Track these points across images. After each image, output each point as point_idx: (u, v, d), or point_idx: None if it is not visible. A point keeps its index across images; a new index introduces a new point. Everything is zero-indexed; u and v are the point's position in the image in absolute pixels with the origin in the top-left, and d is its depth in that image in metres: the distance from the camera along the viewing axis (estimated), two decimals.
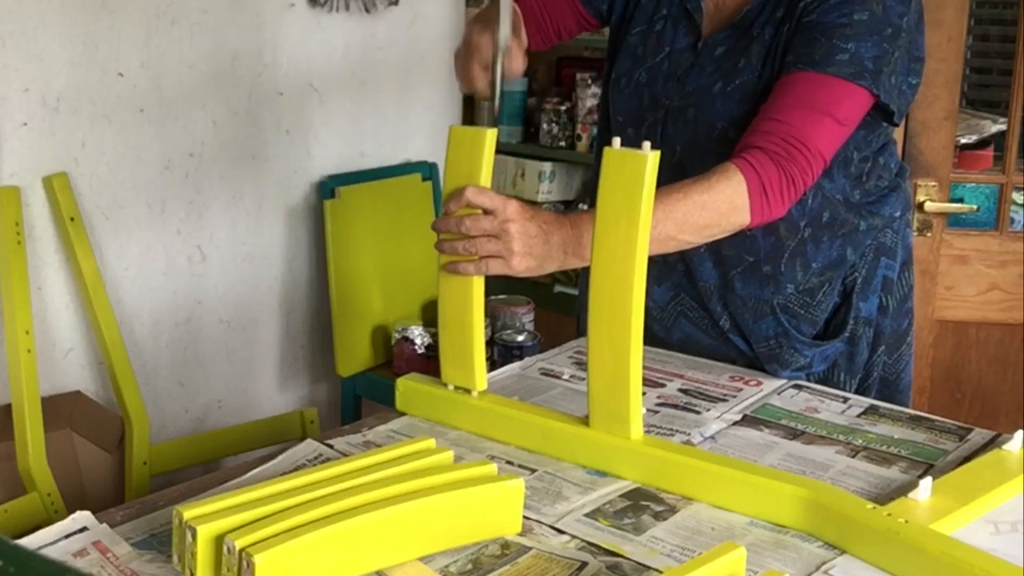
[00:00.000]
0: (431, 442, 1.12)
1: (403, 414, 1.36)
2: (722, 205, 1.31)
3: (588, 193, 3.20)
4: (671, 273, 1.55)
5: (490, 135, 1.24)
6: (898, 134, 2.38)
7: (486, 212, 1.24)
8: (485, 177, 1.25)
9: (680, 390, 1.44)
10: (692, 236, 1.32)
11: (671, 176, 1.48)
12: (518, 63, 1.43)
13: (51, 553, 0.98)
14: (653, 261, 1.47)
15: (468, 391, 1.31)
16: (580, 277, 1.75)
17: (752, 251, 1.49)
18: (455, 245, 1.25)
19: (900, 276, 1.57)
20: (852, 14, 1.35)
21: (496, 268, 1.25)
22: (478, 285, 1.27)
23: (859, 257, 1.53)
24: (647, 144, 1.12)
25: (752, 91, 1.43)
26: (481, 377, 1.30)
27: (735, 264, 1.51)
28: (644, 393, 1.23)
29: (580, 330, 1.70)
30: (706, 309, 1.55)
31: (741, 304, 1.52)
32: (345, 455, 1.20)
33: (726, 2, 1.49)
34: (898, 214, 1.56)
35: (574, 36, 1.70)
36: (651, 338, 1.55)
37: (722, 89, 1.45)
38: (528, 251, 1.25)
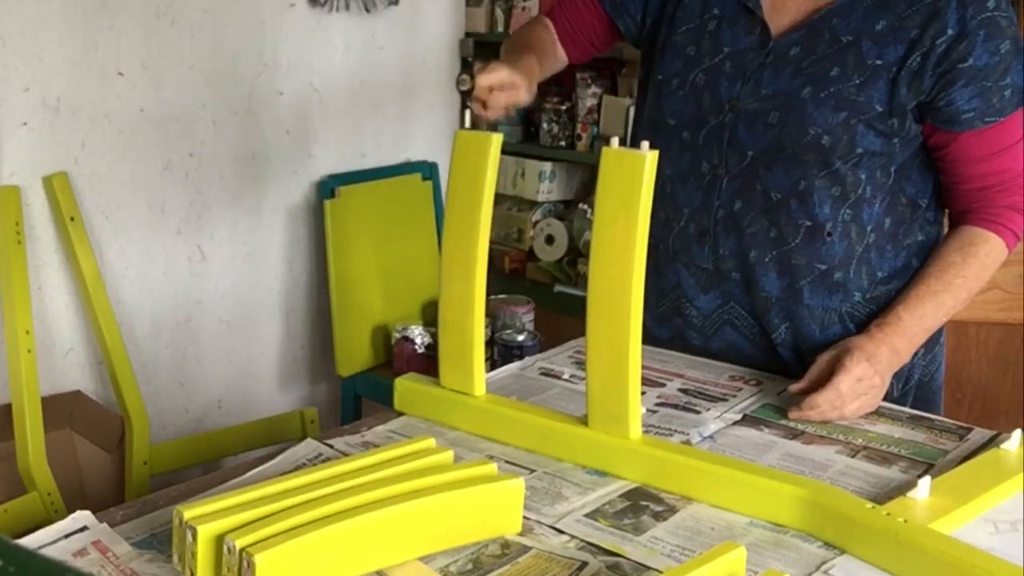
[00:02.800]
0: (431, 442, 1.12)
1: (403, 414, 1.36)
2: (993, 268, 1.47)
3: (588, 193, 3.20)
4: (723, 282, 1.50)
5: (495, 140, 1.25)
6: None
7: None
8: (490, 181, 1.25)
9: (680, 390, 1.44)
10: (971, 298, 1.48)
11: (739, 183, 1.46)
12: (523, 94, 1.42)
13: (51, 553, 0.98)
14: (702, 269, 1.50)
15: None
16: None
17: (826, 259, 1.46)
18: (823, 412, 1.36)
19: None
20: (1000, 48, 1.38)
21: (857, 414, 1.38)
22: (479, 292, 1.27)
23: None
24: (645, 144, 1.12)
25: (849, 101, 1.40)
26: (480, 383, 1.30)
27: (806, 274, 1.47)
28: (644, 393, 1.23)
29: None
30: (758, 319, 1.51)
31: (808, 315, 1.48)
32: (345, 455, 1.20)
33: (786, 2, 1.47)
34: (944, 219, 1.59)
35: (611, 47, 1.70)
36: (687, 346, 1.55)
37: (812, 94, 1.41)
38: (884, 385, 1.39)
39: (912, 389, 1.56)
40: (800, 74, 1.43)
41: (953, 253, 1.45)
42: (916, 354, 1.53)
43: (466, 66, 1.39)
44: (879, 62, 1.39)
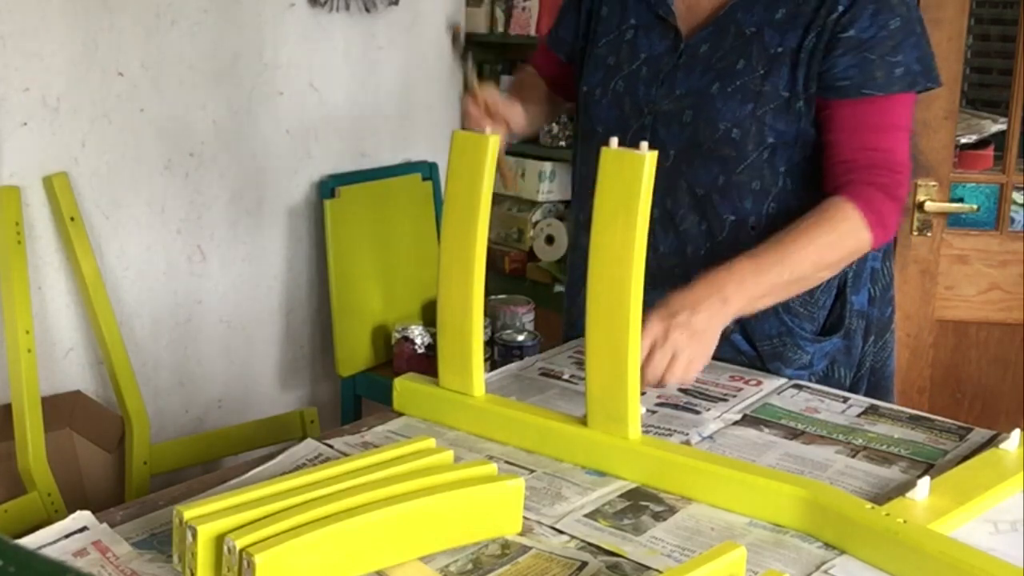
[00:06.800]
0: (431, 442, 1.12)
1: (402, 414, 1.36)
2: (849, 241, 1.40)
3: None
4: (668, 277, 1.55)
5: (492, 141, 1.25)
6: None
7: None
8: (487, 182, 1.25)
9: (680, 389, 1.44)
10: (826, 272, 1.43)
11: (666, 181, 1.49)
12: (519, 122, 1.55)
13: (51, 553, 0.98)
14: (645, 268, 1.51)
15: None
16: (567, 277, 1.75)
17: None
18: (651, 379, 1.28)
19: (883, 265, 1.61)
20: (888, 24, 1.40)
21: (693, 372, 1.30)
22: (478, 292, 1.27)
23: None
24: (644, 144, 1.12)
25: (755, 92, 1.44)
26: (479, 383, 1.30)
27: None
28: (644, 393, 1.23)
29: (565, 330, 1.70)
30: None
31: None
32: (345, 455, 1.20)
33: (700, 1, 1.51)
34: None
35: None
36: None
37: (721, 89, 1.46)
38: (696, 337, 1.29)
39: (865, 376, 1.60)
40: (709, 71, 1.48)
41: (810, 218, 1.40)
42: (867, 342, 1.58)
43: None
44: (780, 49, 1.44)
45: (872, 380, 1.60)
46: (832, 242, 1.39)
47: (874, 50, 1.40)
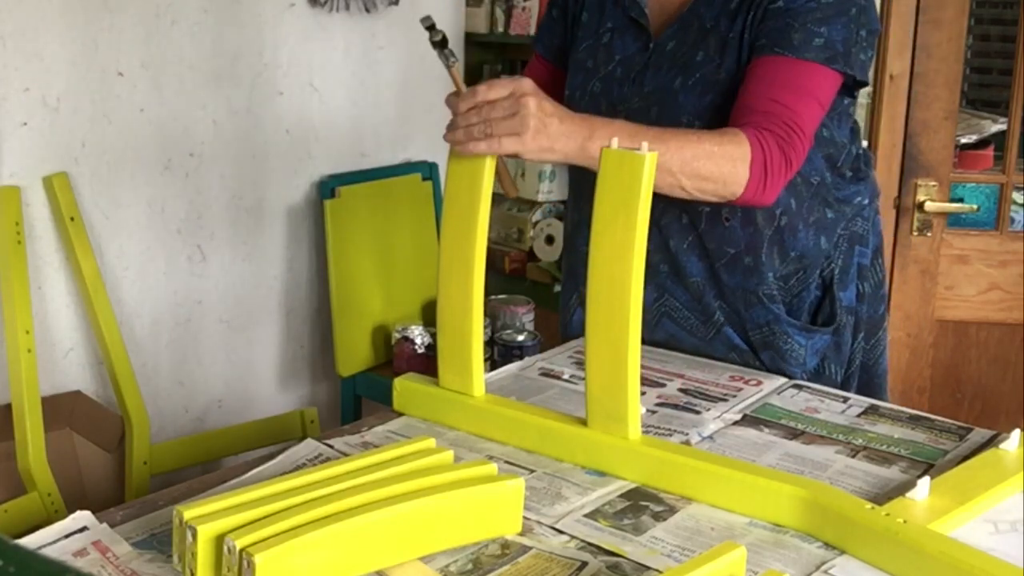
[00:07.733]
0: (431, 442, 1.12)
1: (402, 414, 1.36)
2: (726, 164, 1.34)
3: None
4: (654, 275, 1.56)
5: None
6: (898, 134, 2.39)
7: None
8: (487, 182, 1.25)
9: (680, 390, 1.44)
10: (688, 181, 1.34)
11: None
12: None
13: (51, 553, 0.98)
14: None
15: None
16: (563, 276, 1.76)
17: (733, 243, 1.52)
18: (471, 130, 1.24)
19: (873, 262, 1.62)
20: None
21: (509, 146, 1.24)
22: (478, 292, 1.27)
23: (833, 247, 1.56)
24: (645, 144, 1.12)
25: (713, 81, 1.46)
26: (479, 383, 1.30)
27: (720, 256, 1.53)
28: (644, 393, 1.23)
29: (562, 330, 1.70)
30: (695, 307, 1.57)
31: (731, 295, 1.55)
32: (345, 455, 1.20)
33: (670, 0, 1.52)
34: (867, 202, 1.60)
35: None
36: None
37: (683, 83, 1.47)
38: (542, 128, 1.24)
39: (855, 373, 1.61)
40: (674, 67, 1.49)
41: (704, 130, 1.37)
42: (857, 338, 1.59)
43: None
44: (732, 35, 1.45)
45: (864, 378, 1.61)
46: (711, 153, 1.32)
47: (797, 18, 1.40)
